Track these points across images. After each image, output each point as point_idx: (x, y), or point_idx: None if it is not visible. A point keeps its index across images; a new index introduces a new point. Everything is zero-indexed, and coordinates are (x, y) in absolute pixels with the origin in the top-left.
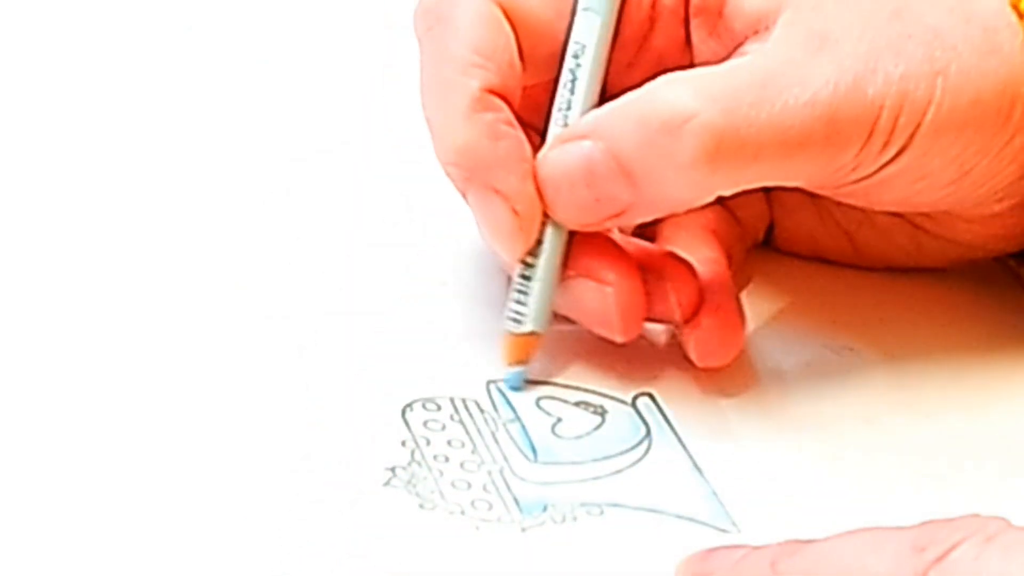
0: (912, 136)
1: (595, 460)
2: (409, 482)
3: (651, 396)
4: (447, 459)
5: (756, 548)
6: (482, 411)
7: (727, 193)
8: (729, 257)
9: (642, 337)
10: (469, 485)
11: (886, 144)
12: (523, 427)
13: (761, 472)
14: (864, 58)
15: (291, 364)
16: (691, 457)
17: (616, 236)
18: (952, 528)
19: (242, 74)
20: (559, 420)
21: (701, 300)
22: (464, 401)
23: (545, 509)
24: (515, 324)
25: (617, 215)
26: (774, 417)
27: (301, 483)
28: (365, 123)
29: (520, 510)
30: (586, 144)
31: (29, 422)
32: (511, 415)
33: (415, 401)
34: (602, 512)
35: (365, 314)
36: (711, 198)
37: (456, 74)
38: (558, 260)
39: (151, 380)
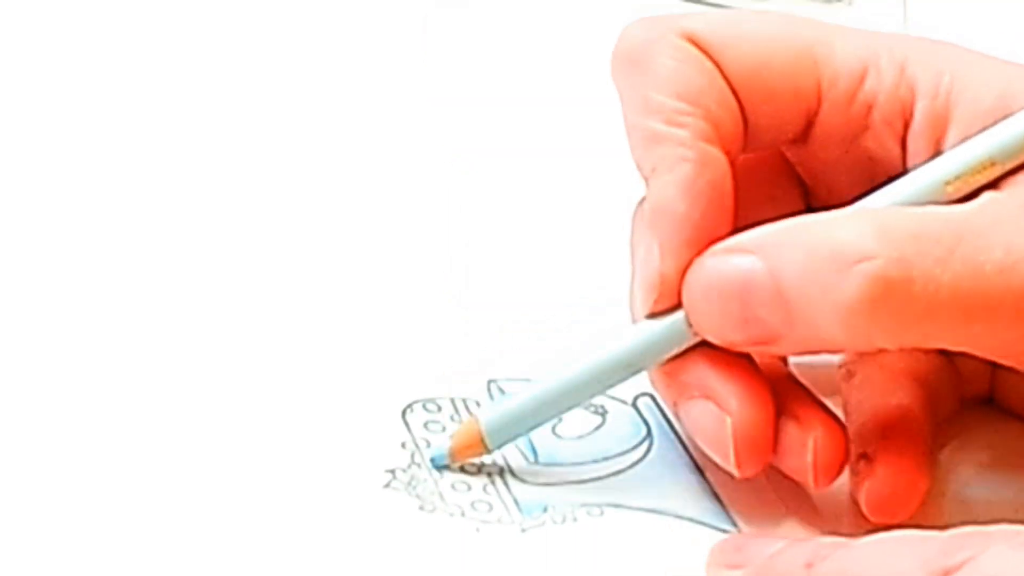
0: None
1: (595, 461)
2: (409, 484)
3: (652, 396)
4: None
5: (792, 543)
6: None
7: (891, 348)
8: (934, 408)
9: None
10: (469, 487)
11: None
12: None
13: (761, 472)
14: None
15: (291, 364)
16: (692, 457)
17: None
18: (985, 534)
19: (242, 74)
20: (559, 420)
21: (840, 469)
22: (464, 401)
23: (545, 510)
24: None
25: (764, 342)
26: None
27: (301, 484)
28: (366, 122)
29: (520, 511)
30: (748, 260)
31: (29, 422)
32: None
33: (415, 402)
34: (602, 513)
35: (365, 314)
36: (867, 348)
37: (660, 123)
38: (669, 348)
39: (151, 380)
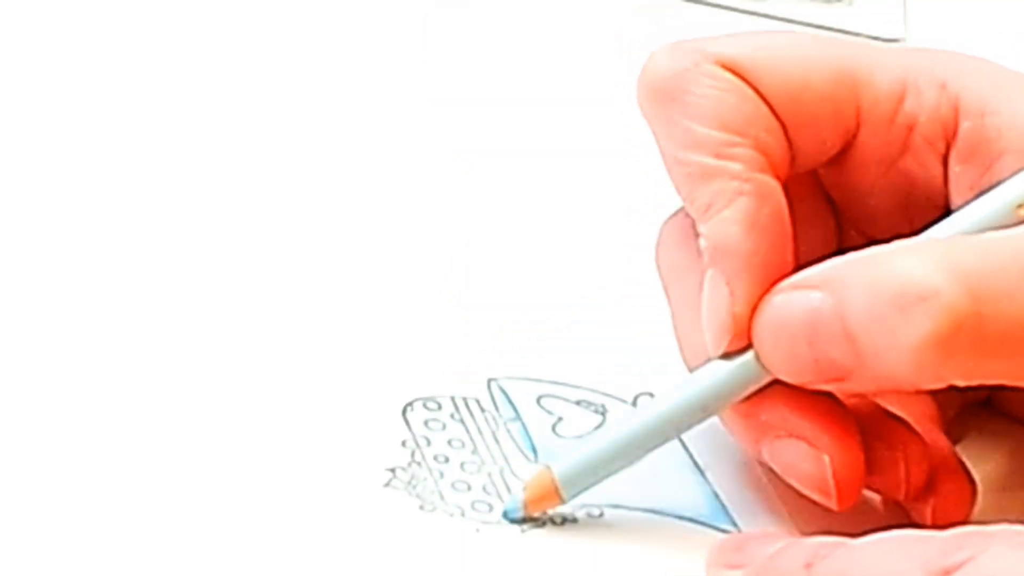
0: None
1: None
2: (409, 483)
3: (652, 396)
4: (447, 459)
5: (792, 543)
6: (483, 410)
7: (961, 384)
8: (943, 414)
9: (643, 336)
10: (469, 487)
11: None
12: (524, 426)
13: (761, 472)
14: None
15: (291, 362)
16: (691, 457)
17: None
18: (985, 534)
19: (242, 74)
20: (560, 419)
21: (931, 477)
22: (465, 400)
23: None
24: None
25: (836, 379)
26: None
27: (301, 482)
28: (366, 122)
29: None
30: (815, 296)
31: (29, 422)
32: (512, 414)
33: (416, 400)
34: (602, 513)
35: (366, 312)
36: (939, 386)
37: (710, 158)
38: (742, 388)
39: (150, 379)
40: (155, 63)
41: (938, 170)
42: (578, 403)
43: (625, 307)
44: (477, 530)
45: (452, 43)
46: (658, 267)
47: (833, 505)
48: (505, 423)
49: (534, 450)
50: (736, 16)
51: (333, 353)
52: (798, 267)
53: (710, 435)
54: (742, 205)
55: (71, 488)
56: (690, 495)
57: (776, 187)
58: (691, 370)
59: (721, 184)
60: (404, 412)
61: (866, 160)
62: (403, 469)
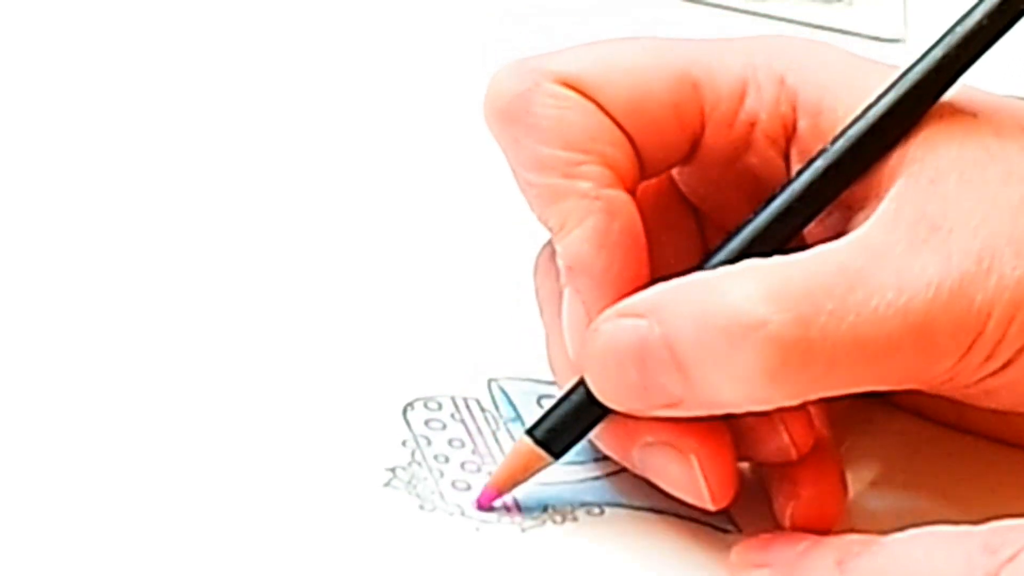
0: (1022, 350)
1: (595, 460)
2: (409, 482)
3: None
4: (447, 459)
5: (819, 541)
6: (483, 410)
7: (794, 404)
8: (828, 407)
9: None
10: (469, 486)
11: (990, 356)
12: (524, 426)
13: (761, 472)
14: (977, 255)
15: (292, 362)
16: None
17: None
18: (1022, 529)
19: (242, 74)
20: None
21: (815, 439)
22: (465, 400)
23: (545, 509)
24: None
25: (669, 406)
26: None
27: (302, 481)
28: (366, 122)
29: (520, 510)
30: (642, 324)
31: (29, 422)
32: (512, 414)
33: (416, 400)
34: (602, 512)
35: (365, 313)
36: (771, 407)
37: (558, 178)
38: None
39: (151, 379)
40: (156, 63)
41: (780, 165)
42: None
43: None
44: (477, 529)
45: (452, 43)
46: (535, 292)
47: (708, 506)
48: (505, 423)
49: None
50: (736, 16)
51: (333, 353)
52: (666, 276)
53: None
54: (592, 223)
55: (72, 488)
56: None
57: (627, 200)
58: (561, 388)
59: (571, 203)
60: (404, 412)
61: (713, 159)
62: (403, 469)
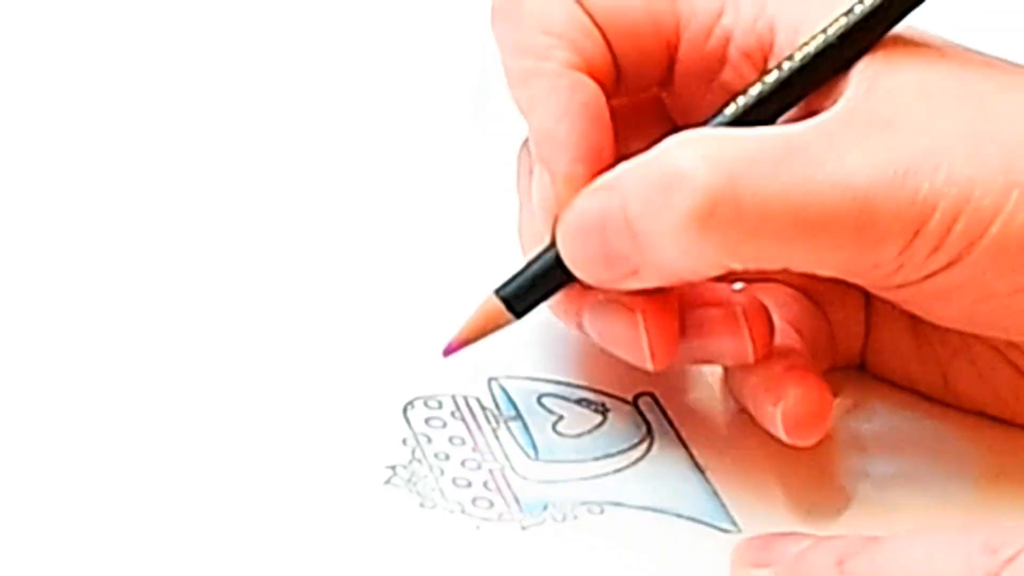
0: (970, 247)
1: (596, 458)
2: (409, 480)
3: (652, 396)
4: (447, 457)
5: (819, 541)
6: (483, 408)
7: (739, 268)
8: (813, 356)
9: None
10: (469, 483)
11: (935, 249)
12: (524, 425)
13: (761, 472)
14: (927, 151)
15: (292, 361)
16: (692, 457)
17: None
18: (1022, 529)
19: (242, 73)
20: (560, 418)
21: (772, 344)
22: (466, 398)
23: (546, 507)
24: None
25: (629, 274)
26: None
27: (302, 480)
28: (366, 122)
29: (521, 508)
30: (605, 195)
31: (29, 422)
32: (512, 412)
33: (416, 399)
34: (603, 511)
35: (366, 312)
36: (717, 270)
37: (531, 60)
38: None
39: (151, 379)
40: (156, 63)
41: (755, 75)
42: (578, 402)
43: None
44: (477, 527)
45: (451, 43)
46: (516, 187)
47: (648, 366)
48: (505, 421)
49: (534, 448)
50: None
51: (334, 352)
52: None
53: (710, 435)
54: (555, 97)
55: (72, 489)
56: (690, 494)
57: (590, 83)
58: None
59: (539, 82)
60: (405, 410)
61: (690, 75)
62: (403, 467)
